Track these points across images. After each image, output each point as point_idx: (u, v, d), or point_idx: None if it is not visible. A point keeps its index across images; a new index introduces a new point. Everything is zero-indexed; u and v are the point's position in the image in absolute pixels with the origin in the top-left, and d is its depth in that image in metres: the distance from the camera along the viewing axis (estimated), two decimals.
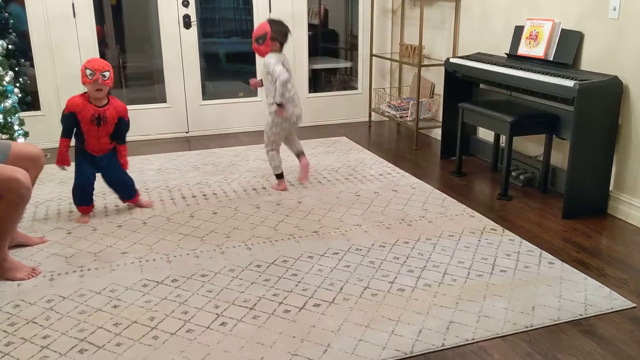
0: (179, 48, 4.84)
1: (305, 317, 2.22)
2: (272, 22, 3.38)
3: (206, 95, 5.10)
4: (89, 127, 3.03)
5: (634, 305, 2.30)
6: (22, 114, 4.04)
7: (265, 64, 3.38)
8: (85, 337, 2.10)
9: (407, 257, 2.69)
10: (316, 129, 5.24)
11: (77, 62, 4.58)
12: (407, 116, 4.85)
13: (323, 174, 3.91)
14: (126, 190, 3.27)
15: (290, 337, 2.09)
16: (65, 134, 3.06)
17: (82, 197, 3.14)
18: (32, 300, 2.35)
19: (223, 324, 2.18)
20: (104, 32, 5.35)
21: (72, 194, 3.14)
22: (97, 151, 3.11)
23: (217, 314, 2.25)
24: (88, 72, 2.93)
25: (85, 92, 3.05)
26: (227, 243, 2.87)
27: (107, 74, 2.96)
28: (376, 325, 2.16)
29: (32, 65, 4.54)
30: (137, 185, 3.35)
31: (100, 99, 3.02)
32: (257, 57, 5.08)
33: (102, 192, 3.59)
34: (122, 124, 3.13)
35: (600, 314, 2.24)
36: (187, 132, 5.02)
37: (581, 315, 2.23)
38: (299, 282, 2.49)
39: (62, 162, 3.07)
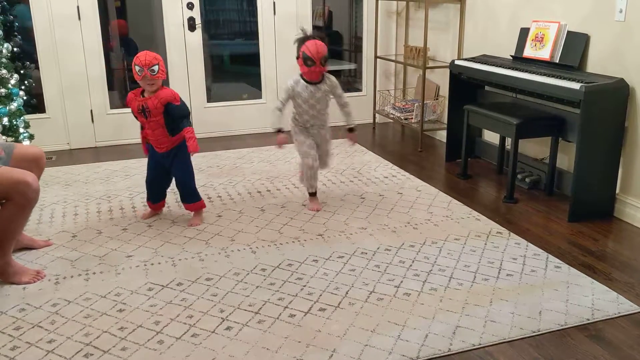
0: (184, 50, 4.84)
1: (311, 321, 2.21)
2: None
3: (211, 97, 5.10)
4: (140, 119, 3.03)
5: None
6: (27, 117, 4.05)
7: (332, 82, 3.27)
8: (91, 342, 2.10)
9: (413, 261, 2.68)
10: None
11: (82, 65, 4.59)
12: (412, 118, 4.84)
13: (327, 176, 3.91)
14: (184, 194, 3.15)
15: (295, 342, 2.09)
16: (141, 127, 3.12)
17: (148, 192, 3.22)
18: (37, 304, 2.35)
19: (228, 328, 2.18)
20: (127, 26, 5.38)
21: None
22: (158, 146, 3.06)
23: (222, 318, 2.24)
24: (137, 68, 2.90)
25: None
26: (232, 246, 2.86)
27: (155, 68, 2.89)
28: (382, 330, 2.15)
29: (37, 68, 4.56)
30: (141, 188, 3.34)
31: (154, 92, 2.96)
32: (262, 59, 5.10)
33: (107, 195, 3.60)
34: (172, 110, 2.97)
35: (608, 319, 2.23)
36: None
37: (588, 320, 2.21)
38: (304, 286, 2.48)
39: (145, 151, 3.19)
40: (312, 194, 3.34)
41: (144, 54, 2.93)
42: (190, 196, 3.14)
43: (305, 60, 3.07)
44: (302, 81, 3.16)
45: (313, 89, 3.15)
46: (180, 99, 3.02)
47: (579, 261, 2.70)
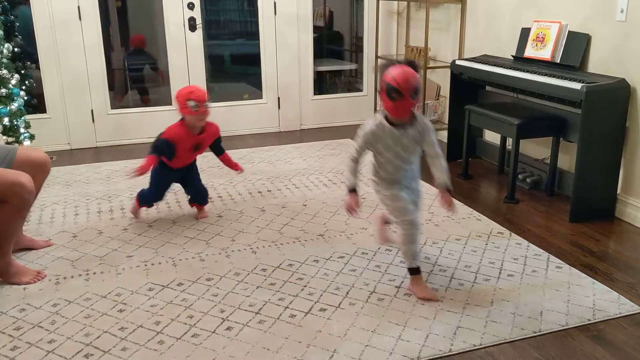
0: (184, 50, 4.84)
1: (311, 322, 2.21)
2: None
3: (211, 97, 5.09)
4: (186, 153, 3.02)
5: None
6: (28, 117, 4.05)
7: (424, 125, 2.37)
8: (91, 342, 2.10)
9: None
10: (321, 131, 5.23)
11: (83, 65, 4.59)
12: None
13: (328, 176, 3.90)
14: (200, 197, 3.22)
15: (296, 342, 2.08)
16: (158, 155, 2.94)
17: (149, 201, 3.16)
18: (37, 305, 2.35)
19: (229, 328, 2.17)
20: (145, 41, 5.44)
21: (141, 195, 3.12)
22: (182, 165, 3.09)
23: (222, 318, 2.24)
24: (191, 104, 2.83)
25: (182, 120, 2.96)
26: (232, 246, 2.86)
27: (209, 103, 2.91)
28: (383, 331, 2.15)
29: (37, 68, 4.55)
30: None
31: (198, 127, 2.97)
32: (263, 59, 5.08)
33: (108, 195, 3.59)
34: (218, 141, 3.15)
35: (609, 319, 2.22)
36: None
37: (589, 320, 2.21)
38: (305, 286, 2.48)
39: (141, 173, 2.88)
40: (416, 271, 2.41)
41: (197, 89, 2.90)
42: (205, 198, 3.26)
43: (389, 92, 2.24)
44: (384, 123, 2.36)
45: (399, 132, 2.34)
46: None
47: (580, 261, 2.69)
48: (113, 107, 4.82)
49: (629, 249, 2.84)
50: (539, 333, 2.13)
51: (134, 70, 5.54)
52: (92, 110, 4.71)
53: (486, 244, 2.85)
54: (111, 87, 4.90)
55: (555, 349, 2.05)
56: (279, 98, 5.18)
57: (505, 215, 3.25)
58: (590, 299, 2.36)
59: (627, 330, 2.17)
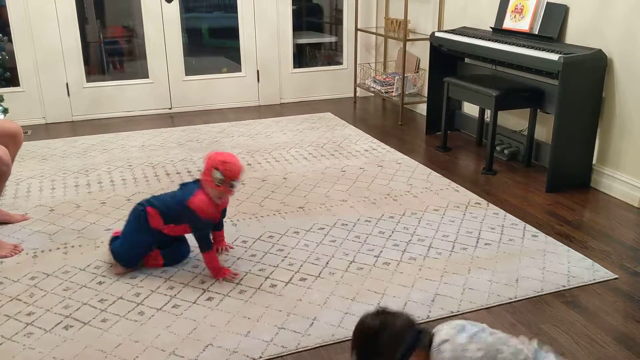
0: (161, 23, 4.76)
1: (292, 291, 2.23)
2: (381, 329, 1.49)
3: (189, 71, 5.03)
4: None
5: (616, 276, 2.34)
6: (1, 90, 3.97)
7: None
8: (71, 314, 2.09)
9: (393, 232, 2.70)
10: (301, 105, 5.20)
11: (57, 37, 4.49)
12: (393, 91, 4.83)
13: (308, 150, 3.90)
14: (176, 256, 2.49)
15: (276, 311, 2.10)
16: (210, 245, 2.33)
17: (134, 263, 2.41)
18: (15, 278, 2.32)
19: (209, 299, 2.18)
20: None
21: (119, 255, 2.37)
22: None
23: (203, 289, 2.24)
24: (217, 175, 2.23)
25: (202, 187, 2.30)
26: None
27: (236, 183, 2.28)
28: (362, 299, 2.17)
29: (10, 41, 4.44)
30: (120, 162, 3.29)
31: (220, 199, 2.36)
32: (241, 32, 5.02)
33: (85, 169, 3.55)
34: (223, 213, 2.48)
35: (583, 285, 2.27)
36: (170, 109, 4.96)
37: (564, 286, 2.26)
38: (285, 257, 2.49)
39: (225, 272, 2.34)
40: None
41: (233, 162, 2.26)
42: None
43: None
44: None
45: None
46: None
47: (555, 230, 2.74)
48: (89, 80, 4.74)
49: (603, 218, 2.89)
50: (515, 299, 2.17)
51: (111, 44, 5.44)
52: (67, 84, 4.62)
53: (464, 214, 2.88)
54: (86, 61, 4.81)
55: (531, 314, 2.10)
56: (258, 72, 5.14)
57: (483, 186, 3.28)
58: (565, 266, 2.40)
59: (600, 296, 2.22)
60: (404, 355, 1.42)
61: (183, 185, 2.39)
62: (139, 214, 2.34)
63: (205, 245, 2.30)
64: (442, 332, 1.46)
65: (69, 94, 4.65)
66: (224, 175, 2.22)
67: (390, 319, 1.47)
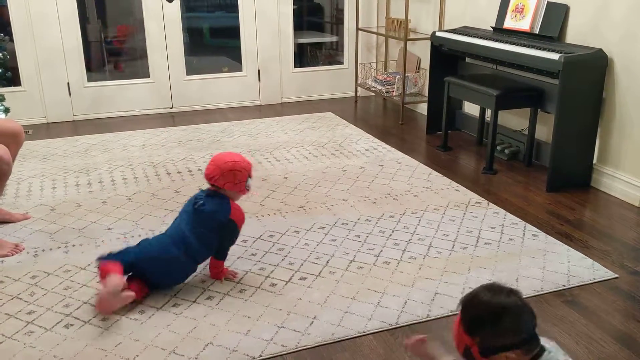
0: (162, 22, 4.76)
1: (292, 290, 2.23)
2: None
3: (190, 70, 5.04)
4: None
5: (617, 275, 2.34)
6: (2, 90, 3.97)
7: None
8: (71, 312, 2.09)
9: (393, 231, 2.70)
10: (302, 104, 5.21)
11: (58, 37, 4.50)
12: (393, 91, 4.83)
13: (309, 149, 3.90)
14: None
15: (276, 310, 2.10)
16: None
17: None
18: (16, 277, 2.33)
19: (209, 297, 2.18)
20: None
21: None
22: None
23: (203, 288, 2.25)
24: (250, 182, 2.28)
25: (226, 195, 2.26)
26: None
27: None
28: (362, 298, 2.18)
29: (11, 40, 4.45)
30: (121, 162, 3.30)
31: None
32: (242, 32, 5.03)
33: (86, 168, 3.56)
34: None
35: (583, 285, 2.27)
36: (171, 108, 4.97)
37: (564, 286, 2.26)
38: (285, 256, 2.49)
39: (224, 272, 2.31)
40: None
41: (249, 162, 2.31)
42: None
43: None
44: None
45: None
46: None
47: (556, 230, 2.74)
48: (90, 80, 4.75)
49: (604, 218, 2.89)
50: None
51: (112, 43, 5.45)
52: (68, 84, 4.63)
53: (464, 214, 2.89)
54: (88, 61, 4.82)
55: None
56: (259, 71, 5.14)
57: (484, 186, 3.28)
58: (565, 265, 2.40)
59: (600, 295, 2.22)
60: (511, 346, 1.28)
61: (195, 209, 2.22)
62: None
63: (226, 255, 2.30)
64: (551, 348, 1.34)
65: (70, 94, 4.66)
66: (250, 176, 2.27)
67: (523, 303, 1.33)
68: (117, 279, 2.01)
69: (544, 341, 1.38)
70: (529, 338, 1.30)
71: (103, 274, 2.04)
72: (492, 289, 1.34)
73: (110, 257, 2.12)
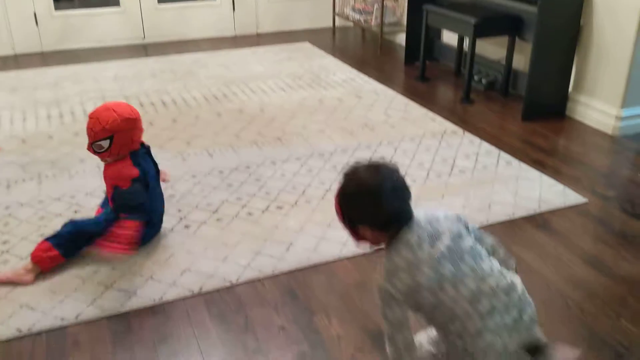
0: None
1: (268, 218, 2.25)
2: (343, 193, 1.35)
3: None
4: None
5: (586, 200, 2.39)
6: None
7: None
8: None
9: (369, 161, 2.70)
10: (279, 35, 5.09)
11: None
12: (372, 20, 4.73)
13: (286, 81, 3.84)
14: None
15: (253, 237, 2.12)
16: None
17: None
18: None
19: (186, 226, 2.19)
20: None
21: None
22: None
23: (180, 217, 2.25)
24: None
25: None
26: (187, 150, 2.83)
27: None
28: (337, 224, 2.16)
29: None
30: (94, 94, 3.22)
31: None
32: None
33: (56, 100, 3.47)
34: None
35: (554, 210, 2.32)
36: (143, 39, 4.82)
37: (535, 210, 2.30)
38: (262, 186, 2.49)
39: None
40: None
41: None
42: None
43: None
44: (394, 257, 1.31)
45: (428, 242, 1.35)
46: None
47: (530, 157, 2.77)
48: (57, 8, 4.56)
49: (577, 145, 2.92)
50: (487, 223, 2.21)
51: None
52: (34, 13, 4.45)
53: (440, 143, 2.90)
54: None
55: (503, 236, 2.14)
56: (233, 0, 4.98)
57: (460, 116, 3.28)
58: (537, 191, 2.44)
59: (571, 219, 2.27)
60: (365, 222, 1.31)
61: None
62: None
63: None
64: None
65: (37, 24, 4.48)
66: None
67: (394, 185, 1.35)
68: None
69: (426, 213, 1.42)
70: (385, 218, 1.32)
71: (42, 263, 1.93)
72: (370, 167, 1.37)
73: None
